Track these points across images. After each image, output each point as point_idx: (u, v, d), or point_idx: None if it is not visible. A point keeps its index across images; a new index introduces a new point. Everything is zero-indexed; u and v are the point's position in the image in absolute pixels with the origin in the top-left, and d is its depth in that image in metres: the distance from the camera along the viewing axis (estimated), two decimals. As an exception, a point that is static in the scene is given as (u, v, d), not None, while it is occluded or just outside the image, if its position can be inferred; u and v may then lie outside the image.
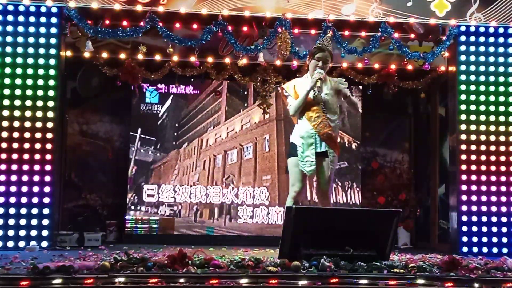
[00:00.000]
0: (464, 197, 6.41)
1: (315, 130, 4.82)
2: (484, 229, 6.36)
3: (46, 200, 6.03)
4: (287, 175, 7.70)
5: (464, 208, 6.40)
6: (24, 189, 6.01)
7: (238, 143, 8.11)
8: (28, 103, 6.11)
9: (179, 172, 8.01)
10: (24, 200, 5.98)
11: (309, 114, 4.85)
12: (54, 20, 6.25)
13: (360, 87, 7.92)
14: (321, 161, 4.86)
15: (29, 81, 6.14)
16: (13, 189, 5.99)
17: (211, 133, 8.16)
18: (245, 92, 8.09)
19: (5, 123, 6.07)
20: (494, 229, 6.36)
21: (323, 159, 4.86)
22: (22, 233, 5.94)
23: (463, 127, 6.51)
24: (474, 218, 6.37)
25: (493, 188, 6.43)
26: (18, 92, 6.12)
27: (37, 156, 6.06)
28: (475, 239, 6.34)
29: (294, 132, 5.00)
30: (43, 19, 6.22)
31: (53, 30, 6.24)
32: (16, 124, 6.08)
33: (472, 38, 6.61)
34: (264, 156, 8.04)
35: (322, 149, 4.84)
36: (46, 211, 6.02)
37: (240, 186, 7.95)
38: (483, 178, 6.43)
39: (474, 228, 6.37)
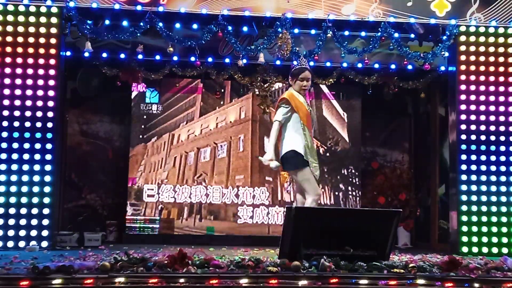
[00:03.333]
0: (464, 197, 6.42)
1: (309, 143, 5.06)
2: (484, 229, 6.36)
3: (46, 200, 6.04)
4: (260, 176, 7.76)
5: (464, 208, 6.40)
6: (24, 189, 6.01)
7: (212, 141, 7.94)
8: (28, 103, 6.12)
9: (145, 169, 7.80)
10: (24, 200, 5.99)
11: (305, 128, 5.08)
12: (54, 20, 6.25)
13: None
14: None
15: (29, 81, 6.14)
16: (13, 189, 6.00)
17: (184, 128, 7.96)
18: (222, 90, 7.95)
19: (5, 123, 6.07)
20: (494, 229, 6.37)
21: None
22: (22, 233, 5.95)
23: (463, 127, 6.52)
24: (474, 218, 6.38)
25: (493, 188, 6.43)
26: (18, 92, 6.13)
27: (37, 156, 6.07)
28: (475, 239, 6.34)
29: (294, 142, 5.05)
30: (43, 19, 6.22)
31: (53, 30, 6.24)
32: (16, 124, 6.08)
33: (472, 38, 6.61)
34: (238, 156, 7.90)
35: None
36: (46, 211, 6.02)
37: (213, 184, 7.80)
38: (483, 178, 6.44)
39: (474, 228, 6.37)
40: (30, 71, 6.16)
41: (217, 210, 7.81)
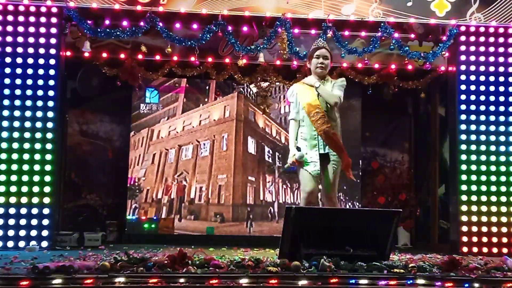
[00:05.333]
0: (464, 197, 6.41)
1: (314, 126, 4.83)
2: (484, 229, 6.36)
3: (46, 200, 6.04)
4: (243, 176, 7.67)
5: (464, 208, 6.40)
6: (24, 189, 6.01)
7: (194, 138, 7.75)
8: (28, 103, 6.12)
9: None
10: (24, 200, 5.99)
11: (310, 110, 4.85)
12: (54, 20, 6.25)
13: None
14: (325, 164, 4.85)
15: (29, 81, 6.15)
16: (13, 189, 6.00)
17: (165, 124, 7.76)
18: (207, 87, 7.82)
19: (5, 123, 6.07)
20: (494, 229, 6.37)
21: (327, 162, 4.85)
22: (22, 233, 5.95)
23: (463, 127, 6.52)
24: (474, 218, 6.38)
25: (493, 188, 6.43)
26: (18, 92, 6.13)
27: (37, 156, 6.07)
28: (475, 239, 6.34)
29: (299, 134, 4.98)
30: (43, 19, 6.22)
31: (53, 30, 6.25)
32: (16, 124, 6.08)
33: (472, 38, 6.61)
34: (221, 155, 7.75)
35: (325, 150, 4.84)
36: (46, 211, 6.03)
37: (194, 183, 7.61)
38: (483, 178, 6.44)
39: (474, 228, 6.37)
40: (30, 71, 6.16)
41: (197, 209, 7.67)
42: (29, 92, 6.14)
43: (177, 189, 7.71)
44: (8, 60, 6.16)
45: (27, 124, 6.10)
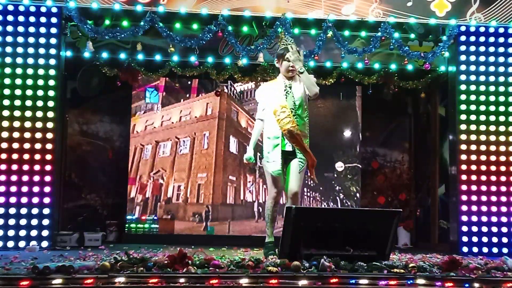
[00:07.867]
0: (464, 197, 6.41)
1: (278, 125, 4.85)
2: (484, 229, 6.36)
3: (46, 200, 6.03)
4: (224, 175, 7.60)
5: (464, 208, 6.39)
6: (24, 189, 6.01)
7: (174, 135, 7.60)
8: (28, 103, 6.12)
9: None
10: (24, 200, 5.98)
11: (275, 109, 4.87)
12: (54, 20, 6.25)
13: (360, 87, 7.95)
14: (289, 160, 4.90)
15: (29, 81, 6.14)
16: (13, 189, 6.00)
17: (141, 118, 7.61)
18: (189, 82, 7.69)
19: (5, 123, 6.07)
20: (494, 229, 6.36)
21: (292, 158, 4.90)
22: (22, 233, 5.94)
23: (463, 127, 6.52)
24: (474, 218, 6.37)
25: (493, 188, 6.43)
26: (18, 92, 6.13)
27: (37, 156, 6.06)
28: (475, 239, 6.34)
29: (263, 132, 5.09)
30: (43, 19, 6.22)
31: (53, 30, 6.24)
32: (16, 124, 6.08)
33: (472, 38, 6.61)
34: (201, 153, 7.61)
35: (290, 148, 4.90)
36: (46, 211, 6.02)
37: (171, 182, 7.48)
38: (483, 178, 6.44)
39: (474, 228, 6.37)
40: (30, 71, 6.16)
41: (175, 209, 7.58)
42: (29, 92, 6.14)
43: (152, 187, 7.57)
44: (8, 60, 6.16)
45: (27, 124, 6.10)
